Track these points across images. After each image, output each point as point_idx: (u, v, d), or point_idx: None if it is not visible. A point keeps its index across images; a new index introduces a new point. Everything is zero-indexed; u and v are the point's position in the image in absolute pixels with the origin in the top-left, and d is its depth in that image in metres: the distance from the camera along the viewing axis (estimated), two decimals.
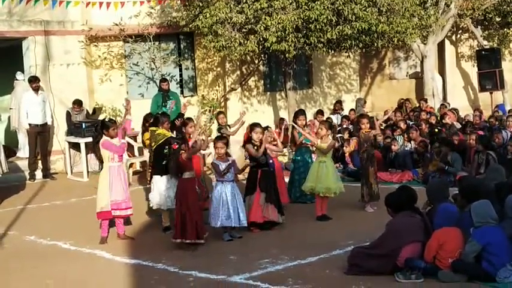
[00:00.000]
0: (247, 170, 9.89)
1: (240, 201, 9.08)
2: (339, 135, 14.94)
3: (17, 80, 15.70)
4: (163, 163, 9.44)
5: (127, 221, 9.68)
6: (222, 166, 8.97)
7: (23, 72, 15.71)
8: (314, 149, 10.75)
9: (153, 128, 9.91)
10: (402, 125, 15.04)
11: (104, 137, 9.10)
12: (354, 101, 18.96)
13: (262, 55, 16.37)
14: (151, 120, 10.58)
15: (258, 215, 9.41)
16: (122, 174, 9.18)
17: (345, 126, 16.05)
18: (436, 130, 14.33)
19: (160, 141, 9.67)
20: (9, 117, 16.41)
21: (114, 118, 15.40)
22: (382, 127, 14.61)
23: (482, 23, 19.95)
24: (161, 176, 9.61)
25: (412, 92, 20.44)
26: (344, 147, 14.24)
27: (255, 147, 9.52)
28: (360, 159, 10.85)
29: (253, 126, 9.75)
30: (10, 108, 15.86)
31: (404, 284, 6.93)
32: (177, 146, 8.76)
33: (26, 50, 15.62)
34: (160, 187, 9.58)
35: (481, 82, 18.88)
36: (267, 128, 10.35)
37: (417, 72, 20.67)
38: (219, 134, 11.65)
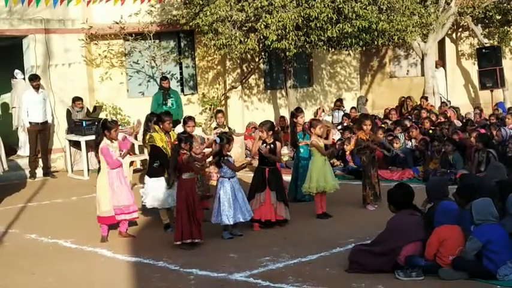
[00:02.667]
0: (248, 169, 9.87)
1: (241, 198, 9.08)
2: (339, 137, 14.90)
3: (15, 78, 15.69)
4: (154, 165, 9.55)
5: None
6: (230, 160, 9.12)
7: (21, 70, 15.70)
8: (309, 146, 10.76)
9: (154, 134, 9.81)
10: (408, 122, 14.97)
11: (104, 141, 9.04)
12: (355, 99, 18.95)
13: (262, 53, 16.36)
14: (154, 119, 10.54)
15: (271, 214, 9.46)
16: (122, 179, 9.14)
17: (345, 124, 16.03)
18: (430, 131, 14.34)
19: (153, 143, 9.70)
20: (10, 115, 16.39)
21: (114, 116, 15.56)
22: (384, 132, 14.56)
23: (482, 21, 19.93)
24: (150, 177, 9.69)
25: (413, 90, 20.40)
26: (344, 145, 14.24)
27: (265, 145, 9.54)
28: (361, 161, 10.82)
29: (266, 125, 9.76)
30: (13, 107, 15.85)
31: (404, 282, 6.93)
32: (176, 142, 8.81)
33: (26, 48, 15.59)
34: (150, 188, 9.66)
35: (481, 80, 18.89)
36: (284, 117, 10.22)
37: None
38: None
